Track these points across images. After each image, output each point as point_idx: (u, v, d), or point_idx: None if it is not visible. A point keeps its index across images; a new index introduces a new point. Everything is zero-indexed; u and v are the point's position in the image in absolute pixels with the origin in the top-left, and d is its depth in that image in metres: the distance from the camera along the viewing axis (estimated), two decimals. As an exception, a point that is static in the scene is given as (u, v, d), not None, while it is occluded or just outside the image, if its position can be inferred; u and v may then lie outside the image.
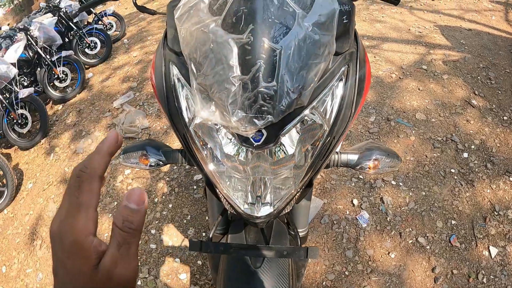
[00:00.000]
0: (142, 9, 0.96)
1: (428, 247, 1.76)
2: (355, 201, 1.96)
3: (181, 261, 1.82)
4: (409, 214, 1.89)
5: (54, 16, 4.09)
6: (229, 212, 0.88)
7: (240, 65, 0.52)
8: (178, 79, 0.66)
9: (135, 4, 0.97)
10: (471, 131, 2.34)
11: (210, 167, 0.66)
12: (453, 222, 1.85)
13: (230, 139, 0.64)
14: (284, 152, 0.64)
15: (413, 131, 2.35)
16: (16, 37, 3.69)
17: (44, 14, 4.23)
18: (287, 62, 0.52)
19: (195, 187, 2.18)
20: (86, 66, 4.23)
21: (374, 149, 0.85)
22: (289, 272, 0.85)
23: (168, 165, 2.32)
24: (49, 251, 1.97)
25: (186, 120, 0.65)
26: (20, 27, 3.59)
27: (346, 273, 1.70)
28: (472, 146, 2.24)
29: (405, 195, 1.97)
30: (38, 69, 3.63)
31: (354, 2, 0.70)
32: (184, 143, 0.70)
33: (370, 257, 1.75)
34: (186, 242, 1.90)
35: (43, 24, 3.55)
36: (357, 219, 1.88)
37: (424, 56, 3.16)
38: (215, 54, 0.53)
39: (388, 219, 1.87)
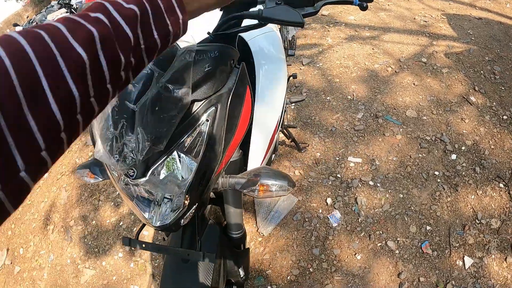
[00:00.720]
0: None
1: (397, 251, 1.73)
2: (329, 200, 1.94)
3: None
4: (382, 217, 1.85)
5: (67, 11, 4.22)
6: None
7: (113, 122, 0.68)
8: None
9: None
10: (464, 131, 2.25)
11: (119, 186, 0.81)
12: (428, 228, 1.81)
13: None
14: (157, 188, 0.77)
15: (401, 129, 2.28)
16: None
17: (58, 9, 4.39)
18: (142, 119, 0.67)
19: None
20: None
21: (262, 174, 0.95)
22: (215, 269, 1.02)
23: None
24: (59, 235, 2.17)
25: (96, 141, 0.80)
26: (34, 25, 3.72)
27: (311, 270, 1.71)
28: (463, 147, 2.15)
29: (381, 197, 1.93)
30: None
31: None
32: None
33: (336, 257, 1.74)
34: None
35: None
36: (328, 218, 1.86)
37: (425, 47, 3.04)
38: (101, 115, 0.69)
39: (359, 220, 1.85)
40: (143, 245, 0.96)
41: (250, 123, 0.97)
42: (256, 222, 1.90)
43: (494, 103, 2.44)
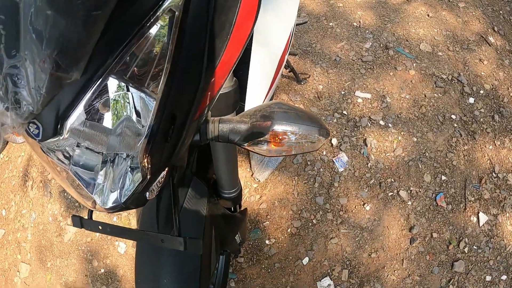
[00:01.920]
0: None
1: (409, 203, 1.54)
2: (334, 141, 1.68)
3: None
4: (394, 162, 1.63)
5: None
6: None
7: None
8: None
9: None
10: (482, 73, 2.04)
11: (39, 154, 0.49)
12: (443, 178, 1.62)
13: None
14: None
15: (414, 64, 2.02)
16: None
17: None
18: (32, 17, 0.32)
19: None
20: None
21: (277, 115, 0.54)
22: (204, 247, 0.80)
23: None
24: (39, 191, 1.94)
25: None
26: None
27: (314, 221, 1.52)
28: (481, 91, 1.95)
29: (393, 139, 1.70)
30: None
31: None
32: None
33: (342, 207, 1.54)
34: None
35: None
36: (333, 161, 1.62)
37: (441, -24, 2.72)
38: None
39: (369, 165, 1.62)
40: (100, 227, 0.66)
41: (252, 32, 0.57)
42: (250, 166, 1.64)
43: (514, 47, 2.23)
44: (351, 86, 1.89)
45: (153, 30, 0.37)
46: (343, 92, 1.86)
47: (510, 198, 1.62)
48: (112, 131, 0.41)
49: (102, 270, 1.65)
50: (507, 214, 1.58)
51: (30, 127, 0.41)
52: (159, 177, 0.52)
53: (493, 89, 1.97)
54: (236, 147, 0.79)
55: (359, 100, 1.83)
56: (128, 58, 0.37)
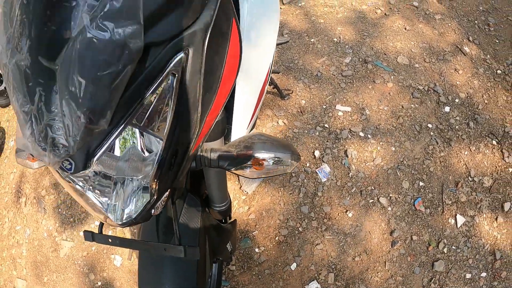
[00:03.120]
0: None
1: (389, 208, 1.70)
2: (317, 153, 1.84)
3: None
4: (373, 171, 1.80)
5: None
6: None
7: (28, 94, 0.47)
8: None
9: None
10: (457, 82, 2.23)
11: (61, 179, 0.61)
12: (421, 184, 1.79)
13: None
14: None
15: (392, 77, 2.20)
16: None
17: None
18: (67, 83, 0.44)
19: None
20: None
21: (256, 145, 0.72)
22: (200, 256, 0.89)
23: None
24: (33, 207, 2.05)
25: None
26: None
27: (300, 229, 1.67)
28: (456, 100, 2.13)
29: (372, 149, 1.87)
30: None
31: None
32: None
33: (326, 214, 1.69)
34: None
35: None
36: (317, 172, 1.79)
37: (418, -10, 2.94)
38: (9, 80, 0.48)
39: (350, 174, 1.78)
40: (109, 240, 0.80)
41: (235, 83, 0.76)
42: (238, 179, 1.78)
43: (488, 56, 2.42)
44: (332, 100, 2.07)
45: (159, 89, 0.52)
46: (324, 106, 2.04)
47: (486, 200, 1.78)
48: (128, 163, 0.56)
49: (99, 283, 1.76)
50: (484, 215, 1.74)
51: (63, 163, 0.53)
52: (163, 197, 0.65)
53: (468, 97, 2.16)
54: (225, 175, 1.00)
55: (340, 114, 2.01)
56: (141, 110, 0.52)
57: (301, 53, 2.36)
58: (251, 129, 1.19)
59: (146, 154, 0.57)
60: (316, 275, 1.57)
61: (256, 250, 1.63)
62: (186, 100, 0.56)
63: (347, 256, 1.61)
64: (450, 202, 1.75)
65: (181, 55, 0.52)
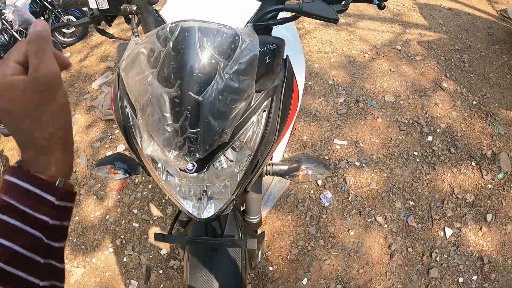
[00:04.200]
0: (102, 32, 1.11)
1: (385, 226, 2.04)
2: (319, 181, 2.21)
3: None
4: (369, 194, 2.16)
5: None
6: None
7: (172, 115, 0.70)
8: (130, 113, 0.85)
9: (96, 28, 1.11)
10: (438, 115, 2.63)
11: (162, 182, 0.88)
12: (412, 203, 2.14)
13: None
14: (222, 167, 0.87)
15: (381, 113, 2.62)
16: None
17: None
18: (209, 111, 0.69)
19: None
20: (64, 45, 4.43)
21: (303, 160, 1.12)
22: (241, 254, 1.17)
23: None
24: None
25: (140, 147, 0.85)
26: None
27: (309, 248, 1.98)
28: (438, 130, 2.53)
29: (367, 176, 2.24)
30: None
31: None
32: (141, 163, 0.97)
33: (331, 234, 2.01)
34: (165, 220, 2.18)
35: (17, 7, 3.71)
36: (320, 198, 2.14)
37: (399, 35, 3.43)
38: (153, 104, 0.71)
39: (349, 198, 2.14)
40: (178, 239, 1.11)
41: (297, 113, 1.13)
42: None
43: (464, 89, 2.85)
44: (330, 135, 2.46)
45: (254, 119, 0.80)
46: (323, 141, 2.43)
47: (470, 213, 2.12)
48: (225, 170, 0.85)
49: None
50: (469, 226, 2.07)
51: (188, 166, 0.78)
52: (236, 197, 0.92)
53: (448, 127, 2.55)
54: (262, 184, 1.33)
55: (337, 147, 2.40)
56: (244, 131, 0.80)
57: (301, 95, 2.78)
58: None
59: (237, 169, 0.86)
60: (325, 287, 1.88)
61: (270, 268, 1.93)
62: (270, 127, 0.84)
63: (352, 269, 1.92)
64: (438, 217, 2.09)
65: (269, 99, 0.82)
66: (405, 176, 2.26)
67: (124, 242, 2.13)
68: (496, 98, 2.80)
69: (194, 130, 0.70)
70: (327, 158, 2.32)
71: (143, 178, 2.41)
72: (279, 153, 1.39)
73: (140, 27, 0.92)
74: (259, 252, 1.44)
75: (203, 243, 1.11)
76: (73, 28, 4.55)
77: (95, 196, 2.36)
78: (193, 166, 0.79)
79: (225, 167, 0.85)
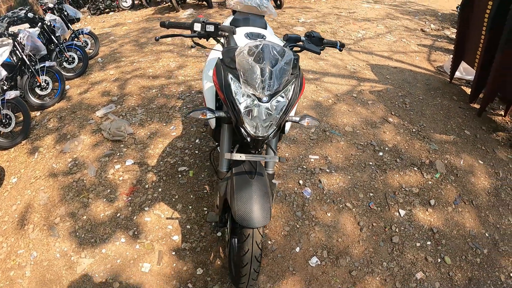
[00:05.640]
0: (199, 44, 2.13)
1: (353, 209, 2.82)
2: (301, 182, 3.01)
3: (173, 227, 2.70)
4: (339, 189, 2.97)
5: (32, 26, 5.03)
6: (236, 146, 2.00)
7: (260, 75, 1.59)
8: (232, 78, 1.74)
9: (194, 42, 2.17)
10: (386, 139, 3.57)
11: (241, 107, 1.68)
12: (371, 194, 2.95)
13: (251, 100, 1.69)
14: (272, 111, 1.69)
15: (343, 139, 3.53)
16: None
17: (21, 23, 5.13)
18: (275, 74, 1.61)
19: (179, 175, 3.15)
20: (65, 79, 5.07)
21: (307, 116, 1.96)
22: (269, 183, 1.88)
23: (157, 155, 3.25)
24: (42, 233, 2.71)
25: (233, 92, 1.71)
26: (10, 33, 4.35)
27: (297, 226, 2.69)
28: (386, 148, 3.44)
29: (336, 178, 3.07)
30: (19, 75, 4.43)
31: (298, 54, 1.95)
32: (229, 104, 1.72)
33: (313, 216, 2.76)
34: (176, 214, 2.81)
35: (31, 33, 4.43)
36: (302, 193, 2.92)
37: (355, 87, 4.52)
38: (252, 70, 1.60)
39: (324, 192, 2.93)
40: (239, 157, 1.80)
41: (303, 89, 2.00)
42: None
43: (406, 122, 3.85)
44: (306, 153, 3.33)
45: (289, 86, 1.76)
46: (301, 156, 3.28)
47: (417, 200, 2.92)
48: (278, 104, 1.71)
49: None
50: (417, 208, 2.85)
51: (263, 98, 1.64)
52: (273, 131, 1.76)
53: (394, 146, 3.47)
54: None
55: (312, 160, 3.25)
56: (286, 89, 1.72)
57: (280, 131, 3.70)
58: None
59: (282, 107, 1.69)
60: (314, 253, 2.57)
61: (269, 242, 2.58)
62: (294, 91, 1.75)
63: (333, 239, 2.63)
64: (392, 203, 2.89)
65: (295, 78, 1.77)
66: (364, 177, 3.10)
67: (136, 233, 2.67)
68: (431, 127, 3.79)
69: (270, 81, 1.59)
70: (305, 167, 3.16)
71: (153, 184, 3.08)
72: (293, 112, 2.24)
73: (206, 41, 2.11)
74: (275, 189, 2.14)
75: (251, 158, 1.81)
76: (74, 64, 5.40)
77: (104, 199, 2.95)
78: (266, 99, 1.64)
79: (277, 103, 1.69)
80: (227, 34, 2.05)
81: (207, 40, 2.13)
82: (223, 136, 2.02)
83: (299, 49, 2.11)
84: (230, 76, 1.74)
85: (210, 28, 2.01)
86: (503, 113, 4.13)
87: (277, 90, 1.65)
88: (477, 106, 4.25)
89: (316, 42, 2.10)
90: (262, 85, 1.60)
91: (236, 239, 1.97)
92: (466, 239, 2.68)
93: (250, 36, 2.45)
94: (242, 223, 1.68)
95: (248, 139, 1.76)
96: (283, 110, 1.71)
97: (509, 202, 2.99)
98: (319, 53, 2.08)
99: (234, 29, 2.07)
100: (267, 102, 1.65)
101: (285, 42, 2.09)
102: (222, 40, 2.14)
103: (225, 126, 2.00)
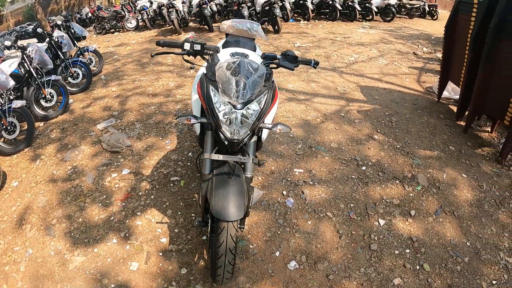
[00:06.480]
0: (188, 61, 2.46)
1: (334, 218, 3.02)
2: (284, 192, 3.23)
3: (162, 231, 2.92)
4: (321, 200, 3.17)
5: (39, 41, 5.42)
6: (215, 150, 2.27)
7: (235, 85, 1.91)
8: (212, 89, 2.06)
9: (184, 59, 2.52)
10: (370, 154, 3.80)
11: (220, 114, 2.01)
12: (352, 205, 3.15)
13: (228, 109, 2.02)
14: (246, 117, 2.03)
15: (328, 154, 3.76)
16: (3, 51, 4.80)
17: (29, 38, 5.50)
18: (249, 85, 1.94)
19: (171, 185, 3.40)
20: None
21: (279, 125, 2.21)
22: (243, 184, 2.08)
23: (151, 166, 3.49)
24: (39, 232, 2.95)
25: (213, 101, 2.03)
26: (20, 45, 4.72)
27: (279, 232, 2.88)
28: (369, 163, 3.66)
29: (318, 189, 3.28)
30: (26, 86, 4.75)
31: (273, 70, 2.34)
32: (210, 111, 2.05)
33: (294, 224, 2.95)
34: (166, 219, 3.03)
35: (40, 47, 4.80)
36: (285, 202, 3.13)
37: (343, 107, 4.78)
38: (228, 82, 1.92)
39: (306, 202, 3.14)
40: (216, 160, 2.16)
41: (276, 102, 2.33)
42: None
43: (391, 139, 4.08)
44: (291, 167, 3.55)
45: (262, 96, 2.11)
46: (286, 170, 3.51)
47: (397, 210, 3.10)
48: (251, 112, 2.06)
49: (113, 286, 2.46)
50: (397, 218, 3.02)
51: (237, 105, 1.98)
52: (248, 137, 2.11)
53: (378, 161, 3.69)
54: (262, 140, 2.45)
55: (296, 173, 3.47)
56: (259, 98, 2.07)
57: (269, 142, 3.95)
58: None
59: (255, 114, 2.02)
60: (293, 257, 2.74)
61: (251, 246, 2.77)
62: (266, 100, 2.10)
63: (312, 245, 2.81)
64: (372, 213, 3.08)
65: (267, 89, 2.13)
66: (346, 189, 3.31)
67: (127, 235, 2.88)
68: (416, 143, 4.02)
69: (243, 91, 1.90)
70: (289, 179, 3.38)
71: (146, 191, 3.34)
72: (269, 120, 2.47)
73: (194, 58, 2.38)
74: (255, 191, 2.44)
75: (228, 162, 2.15)
76: (79, 80, 5.77)
77: (100, 204, 3.20)
78: (240, 106, 1.95)
79: (251, 111, 1.99)
80: (212, 52, 2.36)
81: (194, 57, 2.42)
82: (206, 142, 2.27)
83: (275, 66, 2.40)
84: (211, 87, 2.05)
85: (197, 47, 2.31)
86: (489, 129, 4.34)
87: (249, 99, 1.95)
88: (463, 123, 4.45)
89: (290, 60, 2.38)
90: (236, 94, 1.91)
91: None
92: (446, 247, 2.78)
93: (234, 55, 2.74)
94: (218, 216, 1.92)
95: (226, 142, 2.05)
96: (256, 116, 2.01)
97: (493, 213, 3.10)
98: (292, 70, 2.37)
99: (218, 48, 2.38)
100: (241, 109, 1.96)
101: (262, 59, 2.36)
102: (208, 57, 2.43)
103: (208, 132, 2.25)
